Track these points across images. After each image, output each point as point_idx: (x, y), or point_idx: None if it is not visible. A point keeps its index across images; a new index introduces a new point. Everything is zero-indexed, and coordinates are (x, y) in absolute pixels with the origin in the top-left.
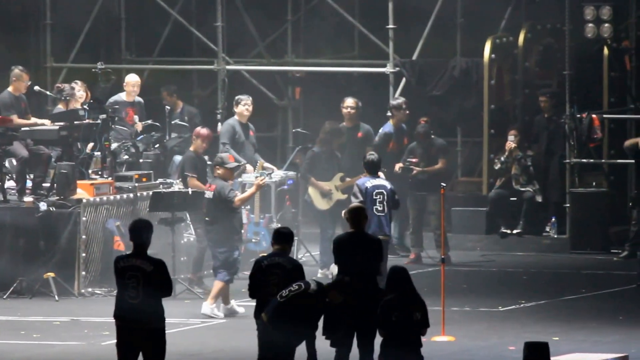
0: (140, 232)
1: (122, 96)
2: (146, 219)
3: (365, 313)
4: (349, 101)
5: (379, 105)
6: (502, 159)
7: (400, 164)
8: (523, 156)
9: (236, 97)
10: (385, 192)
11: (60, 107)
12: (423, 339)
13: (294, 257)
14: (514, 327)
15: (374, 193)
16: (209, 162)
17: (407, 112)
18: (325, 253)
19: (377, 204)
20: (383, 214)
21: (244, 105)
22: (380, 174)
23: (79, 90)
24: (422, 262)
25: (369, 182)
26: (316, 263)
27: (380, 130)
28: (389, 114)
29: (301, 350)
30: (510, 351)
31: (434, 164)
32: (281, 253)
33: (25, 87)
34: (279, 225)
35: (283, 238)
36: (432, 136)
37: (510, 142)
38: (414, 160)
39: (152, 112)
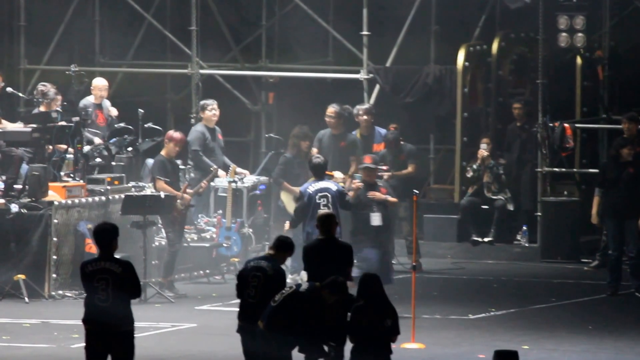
0: (105, 235)
1: (90, 99)
2: (111, 222)
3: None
4: (329, 109)
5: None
6: (475, 166)
7: None
8: (495, 165)
9: (201, 103)
10: (329, 194)
11: (41, 110)
12: (393, 345)
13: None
14: (484, 335)
15: (317, 196)
16: (182, 167)
17: (365, 118)
18: (296, 258)
19: (322, 207)
20: None
21: (211, 110)
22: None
23: (57, 94)
24: (393, 269)
25: (311, 186)
26: (287, 268)
27: None
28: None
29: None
30: (480, 359)
31: (403, 169)
32: (270, 258)
33: None
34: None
35: (279, 245)
36: (402, 142)
37: (483, 150)
38: (384, 167)
39: (125, 115)
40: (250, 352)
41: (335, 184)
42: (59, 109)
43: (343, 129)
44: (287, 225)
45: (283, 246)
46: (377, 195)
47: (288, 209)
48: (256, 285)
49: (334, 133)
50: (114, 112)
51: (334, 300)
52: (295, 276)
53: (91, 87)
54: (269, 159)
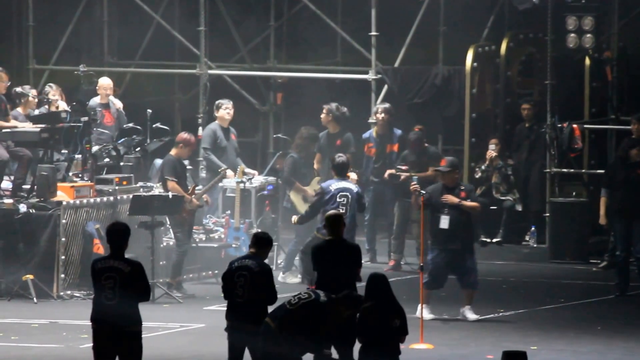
0: (117, 235)
1: (96, 100)
2: (123, 222)
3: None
4: (324, 108)
5: (360, 112)
6: (483, 167)
7: (391, 171)
8: (503, 165)
9: (217, 102)
10: (350, 195)
11: (50, 110)
12: (401, 346)
13: (267, 262)
14: (492, 336)
15: (339, 195)
16: (188, 167)
17: (383, 116)
18: (289, 258)
19: (340, 207)
20: (345, 217)
21: (225, 110)
22: (352, 175)
23: (54, 95)
24: (402, 269)
25: (334, 184)
26: (296, 268)
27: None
28: (371, 120)
29: None
30: None
31: (425, 171)
32: (253, 256)
33: (4, 87)
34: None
35: (257, 242)
36: (426, 145)
37: (491, 151)
38: (403, 167)
39: (134, 115)
40: (238, 350)
41: (355, 186)
42: (68, 109)
43: (338, 128)
44: (294, 219)
45: (262, 242)
46: (450, 198)
47: (298, 209)
48: (243, 284)
49: (330, 132)
50: (118, 104)
51: (349, 315)
52: (287, 274)
53: (97, 87)
54: (276, 159)
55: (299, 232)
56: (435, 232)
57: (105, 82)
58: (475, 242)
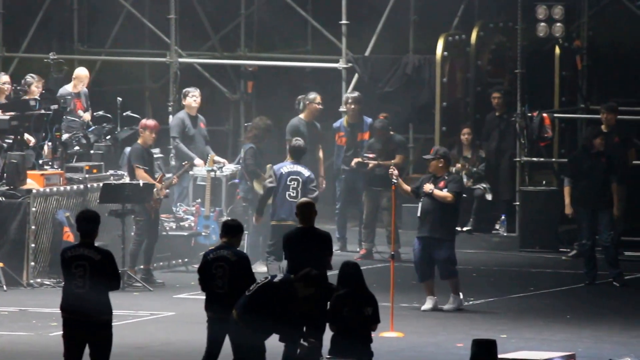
0: (86, 222)
1: (67, 88)
2: (93, 210)
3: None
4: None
5: (330, 100)
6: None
7: (358, 159)
8: (476, 172)
9: (184, 90)
10: (300, 179)
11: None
12: (372, 334)
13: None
14: (462, 324)
15: (289, 179)
16: (159, 155)
17: (353, 107)
18: (255, 247)
19: (291, 190)
20: (295, 201)
21: (192, 97)
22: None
23: (37, 87)
24: (373, 258)
25: (285, 167)
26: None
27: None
28: (341, 109)
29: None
30: (458, 348)
31: (391, 159)
32: (227, 246)
33: None
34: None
35: (229, 230)
36: (391, 132)
37: (459, 165)
38: (371, 155)
39: (104, 103)
40: (218, 342)
41: (308, 170)
42: (37, 97)
43: (310, 117)
44: (255, 219)
45: (233, 230)
46: (425, 187)
47: None
48: (222, 275)
49: (307, 121)
50: (87, 117)
51: (310, 294)
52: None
53: (73, 77)
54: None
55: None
56: (417, 220)
57: (82, 72)
58: (453, 232)
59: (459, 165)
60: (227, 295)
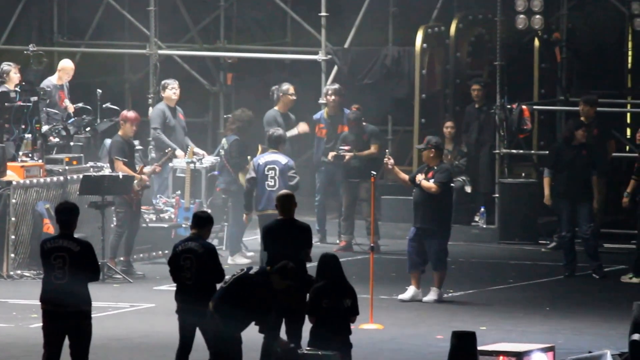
0: (66, 214)
1: (52, 80)
2: (72, 201)
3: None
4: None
5: (310, 92)
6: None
7: (334, 153)
8: (458, 164)
9: (162, 82)
10: (277, 168)
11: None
12: (352, 326)
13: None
14: (442, 316)
15: (266, 168)
16: (138, 147)
17: (333, 98)
18: (236, 239)
19: (269, 179)
20: (274, 190)
21: (172, 90)
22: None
23: (16, 73)
24: (352, 249)
25: (262, 158)
26: (245, 249)
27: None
28: (321, 101)
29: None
30: (438, 340)
31: (366, 150)
32: (195, 237)
33: None
34: (209, 211)
35: (199, 222)
36: (364, 123)
37: (447, 156)
38: (346, 147)
39: (83, 95)
40: (189, 331)
41: (286, 158)
42: (17, 88)
43: (284, 108)
44: (245, 217)
45: (202, 221)
46: (417, 177)
47: None
48: (190, 267)
49: (282, 112)
50: (72, 109)
51: (286, 286)
52: (236, 256)
53: (58, 69)
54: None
55: (238, 210)
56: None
57: (68, 65)
58: (445, 223)
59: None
60: (194, 286)
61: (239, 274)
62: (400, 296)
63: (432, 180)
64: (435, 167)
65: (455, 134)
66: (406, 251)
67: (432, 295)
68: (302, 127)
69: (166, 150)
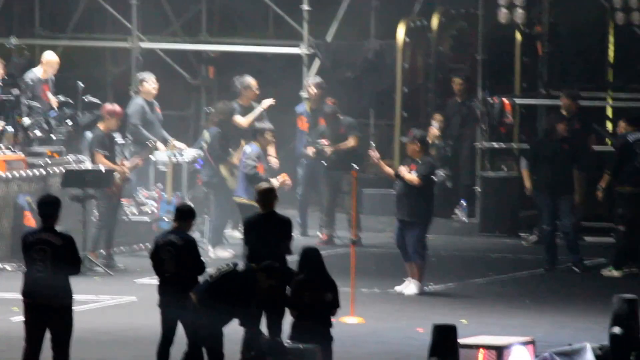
0: (48, 207)
1: (36, 73)
2: (54, 194)
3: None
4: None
5: (292, 86)
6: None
7: (312, 148)
8: (444, 146)
9: (140, 76)
10: (243, 158)
11: None
12: (333, 319)
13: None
14: (422, 309)
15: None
16: (121, 141)
17: (315, 91)
18: (217, 232)
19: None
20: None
21: (150, 84)
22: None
23: None
24: (334, 243)
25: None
26: (227, 242)
27: None
28: (303, 94)
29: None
30: (419, 333)
31: (344, 142)
32: (176, 230)
33: None
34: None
35: (180, 215)
36: (340, 116)
37: (435, 129)
38: (324, 142)
39: (65, 89)
40: (171, 324)
41: (250, 147)
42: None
43: (247, 101)
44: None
45: (184, 215)
46: (399, 170)
47: (228, 183)
48: (170, 259)
49: (245, 105)
50: (55, 103)
51: (269, 285)
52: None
53: (43, 62)
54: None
55: (220, 203)
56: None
57: (53, 58)
58: (425, 216)
59: (436, 132)
60: (174, 278)
61: (225, 269)
62: (396, 288)
63: (414, 173)
64: (419, 160)
65: (444, 127)
66: (395, 244)
67: (412, 288)
68: (265, 103)
69: (147, 142)
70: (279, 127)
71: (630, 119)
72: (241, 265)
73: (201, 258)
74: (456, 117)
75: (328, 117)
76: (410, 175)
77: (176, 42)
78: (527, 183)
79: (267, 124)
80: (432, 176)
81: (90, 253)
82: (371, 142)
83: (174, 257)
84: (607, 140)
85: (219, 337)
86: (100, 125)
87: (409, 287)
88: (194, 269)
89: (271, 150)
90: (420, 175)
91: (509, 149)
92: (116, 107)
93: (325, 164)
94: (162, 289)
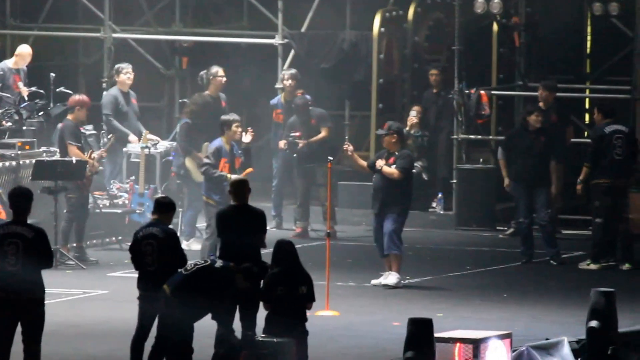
0: (19, 200)
1: (7, 63)
2: (26, 186)
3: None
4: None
5: (267, 77)
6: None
7: (284, 140)
8: (422, 135)
9: (116, 66)
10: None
11: None
12: (308, 313)
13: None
14: (398, 303)
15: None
16: (92, 132)
17: (289, 82)
18: (188, 224)
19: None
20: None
21: (126, 74)
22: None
23: None
24: (309, 236)
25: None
26: (200, 234)
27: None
28: (278, 85)
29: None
30: (395, 327)
31: (316, 134)
32: (156, 223)
33: None
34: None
35: (160, 208)
36: (310, 107)
37: (413, 118)
38: (296, 134)
39: (36, 79)
40: (150, 319)
41: (215, 142)
42: None
43: (215, 91)
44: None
45: (164, 207)
46: (377, 163)
47: (194, 176)
48: (151, 252)
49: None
50: (25, 92)
51: (246, 287)
52: (191, 241)
53: (15, 53)
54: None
55: (192, 195)
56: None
57: (26, 50)
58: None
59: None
60: (156, 272)
61: (202, 264)
62: (373, 281)
63: (393, 166)
64: (397, 153)
65: (422, 118)
66: (373, 238)
67: (392, 279)
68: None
69: (108, 136)
70: (254, 120)
71: (606, 111)
72: (219, 263)
73: (183, 251)
74: (432, 109)
75: (299, 108)
76: (389, 168)
77: (149, 32)
78: (504, 173)
79: (232, 115)
80: (412, 169)
81: (61, 247)
82: (346, 137)
83: (156, 251)
84: (585, 132)
85: (189, 331)
86: (70, 116)
87: (389, 277)
88: (175, 262)
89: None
90: (401, 168)
91: (486, 141)
92: (84, 98)
93: (297, 157)
94: (142, 283)
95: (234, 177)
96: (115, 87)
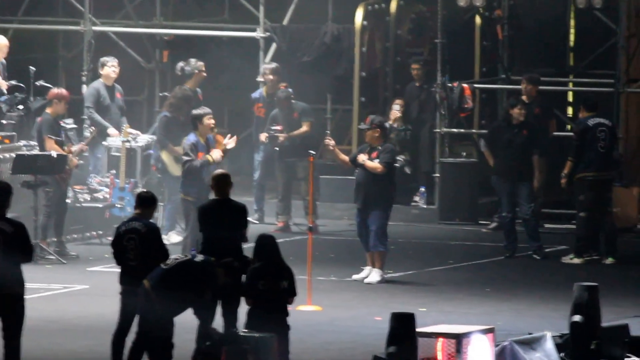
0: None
1: None
2: (5, 181)
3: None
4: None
5: (248, 71)
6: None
7: (265, 134)
8: (405, 129)
9: (101, 59)
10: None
11: None
12: (289, 307)
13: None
14: (380, 298)
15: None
16: (72, 126)
17: (271, 77)
18: (168, 218)
19: None
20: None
21: (111, 68)
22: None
23: None
24: (290, 230)
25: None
26: (181, 229)
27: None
28: (259, 79)
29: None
30: (377, 321)
31: (298, 128)
32: (139, 217)
33: None
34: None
35: (142, 202)
36: (293, 100)
37: (396, 112)
38: (278, 127)
39: (16, 73)
40: (132, 314)
41: (190, 137)
42: None
43: (195, 85)
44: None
45: (146, 202)
46: (359, 157)
47: (170, 169)
48: (133, 247)
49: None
50: (4, 86)
51: (226, 281)
52: (170, 234)
53: None
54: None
55: (172, 188)
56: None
57: (2, 42)
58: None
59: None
60: (139, 267)
61: (182, 259)
62: (354, 276)
63: (377, 161)
64: (380, 147)
65: (405, 112)
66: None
67: (374, 276)
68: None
69: (90, 129)
70: (235, 115)
71: (589, 104)
72: (200, 257)
73: (165, 246)
74: (415, 102)
75: (281, 102)
76: (372, 163)
77: (129, 25)
78: (490, 162)
79: (203, 109)
80: (395, 163)
81: (41, 241)
82: (327, 131)
83: (138, 245)
84: (568, 126)
85: (170, 326)
86: (49, 110)
87: (371, 275)
88: (157, 257)
89: (219, 137)
90: (385, 162)
91: (469, 134)
92: (63, 91)
93: (279, 151)
94: (124, 277)
95: (215, 157)
96: (99, 80)
